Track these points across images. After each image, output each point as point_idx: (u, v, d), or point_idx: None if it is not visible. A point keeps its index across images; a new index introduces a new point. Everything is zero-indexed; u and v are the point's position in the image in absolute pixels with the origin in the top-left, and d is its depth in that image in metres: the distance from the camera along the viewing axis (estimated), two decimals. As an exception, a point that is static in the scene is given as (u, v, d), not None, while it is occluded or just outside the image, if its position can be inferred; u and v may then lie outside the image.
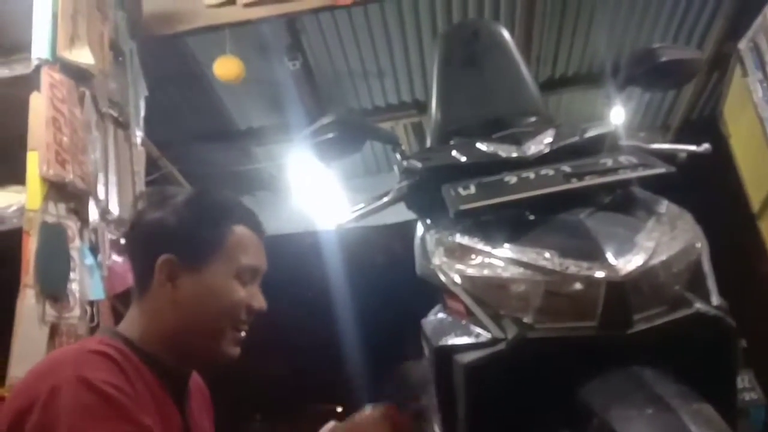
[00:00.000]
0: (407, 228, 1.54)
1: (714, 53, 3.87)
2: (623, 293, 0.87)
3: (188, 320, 0.97)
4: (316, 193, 4.74)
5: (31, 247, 1.84)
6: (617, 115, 1.50)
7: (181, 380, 1.03)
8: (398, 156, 1.38)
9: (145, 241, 1.02)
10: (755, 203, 3.36)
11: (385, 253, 5.34)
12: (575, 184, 1.03)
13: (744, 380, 2.58)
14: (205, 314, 0.97)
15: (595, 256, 0.90)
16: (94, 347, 0.91)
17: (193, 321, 0.97)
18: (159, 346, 0.97)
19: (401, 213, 1.45)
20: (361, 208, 1.41)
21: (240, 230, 1.02)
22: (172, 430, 0.94)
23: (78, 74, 2.15)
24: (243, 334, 1.02)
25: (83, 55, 2.14)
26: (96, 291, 1.95)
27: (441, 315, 1.29)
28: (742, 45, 2.96)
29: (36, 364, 0.93)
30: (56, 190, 1.96)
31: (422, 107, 4.48)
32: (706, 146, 1.31)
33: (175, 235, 0.99)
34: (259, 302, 1.03)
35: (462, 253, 1.08)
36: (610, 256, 0.89)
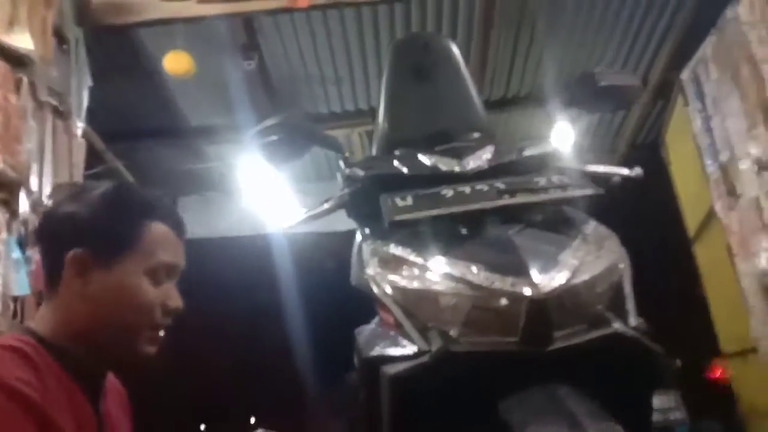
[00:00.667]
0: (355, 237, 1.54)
1: (660, 80, 4.03)
2: (545, 310, 0.88)
3: (99, 318, 0.94)
4: (266, 196, 4.68)
5: (-49, 237, 1.74)
6: (565, 136, 1.54)
7: (96, 379, 1.00)
8: (341, 163, 1.38)
9: (56, 234, 0.98)
10: (691, 229, 3.50)
11: (335, 260, 5.32)
12: (507, 200, 1.05)
13: (670, 400, 2.66)
14: (117, 312, 0.94)
15: (520, 272, 0.91)
16: (4, 342, 0.87)
17: (104, 319, 0.94)
18: (71, 342, 0.94)
19: (351, 221, 1.44)
20: (305, 213, 1.40)
21: (157, 227, 0.99)
22: (86, 429, 0.91)
23: (16, 59, 2.06)
24: (161, 333, 1.00)
25: (22, 40, 2.05)
26: (21, 286, 1.87)
27: (373, 326, 1.29)
28: (684, 75, 3.08)
29: None
30: (-16, 178, 1.86)
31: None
32: (638, 171, 1.35)
33: (86, 229, 0.95)
34: (175, 301, 1.00)
35: (395, 264, 1.08)
36: (534, 273, 0.90)
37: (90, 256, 0.94)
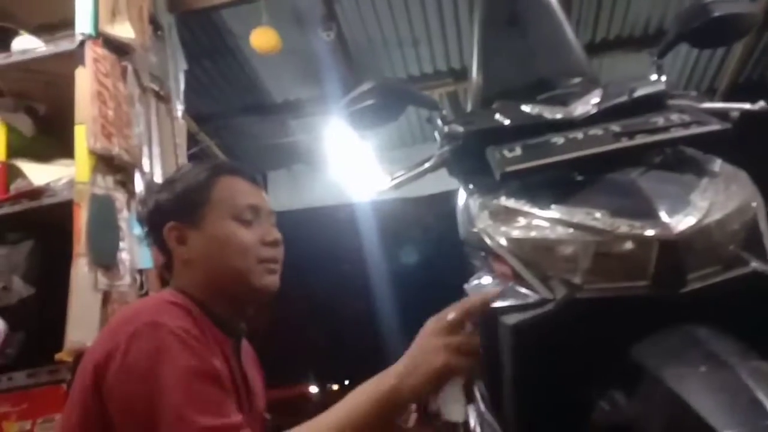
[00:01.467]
0: (445, 199, 1.54)
1: (765, 11, 3.68)
2: (676, 252, 0.85)
3: (211, 271, 1.05)
4: (352, 166, 4.75)
5: (82, 218, 1.89)
6: (661, 78, 1.46)
7: (236, 333, 1.11)
8: (439, 121, 1.36)
9: (151, 219, 1.12)
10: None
11: (422, 225, 5.35)
12: (626, 143, 1.00)
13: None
14: (222, 260, 1.05)
15: (648, 215, 0.88)
16: (170, 298, 1.00)
17: (215, 270, 1.05)
18: (207, 298, 1.05)
19: (438, 184, 1.44)
20: (401, 175, 1.40)
21: (224, 180, 1.10)
22: (234, 378, 1.01)
23: (120, 49, 2.18)
24: (274, 265, 1.09)
25: (124, 30, 2.17)
26: (144, 260, 2.01)
27: (485, 278, 1.29)
28: (798, 0, 2.81)
29: (118, 312, 1.08)
30: (103, 162, 2.00)
31: (458, 75, 4.41)
32: (762, 104, 1.25)
33: (169, 205, 1.09)
34: (271, 235, 1.09)
35: (507, 215, 1.07)
36: (663, 215, 0.87)
37: (181, 225, 1.07)
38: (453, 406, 1.01)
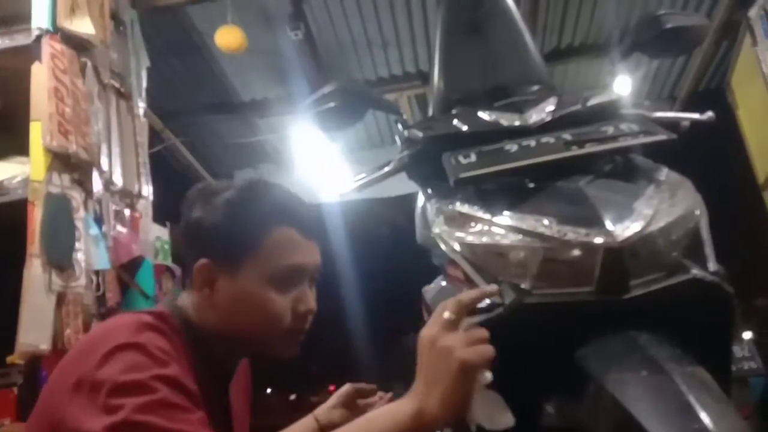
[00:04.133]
0: (411, 200, 1.55)
1: (723, 22, 3.79)
2: (620, 259, 0.87)
3: (229, 325, 0.94)
4: (319, 166, 4.73)
5: (36, 217, 1.85)
6: (623, 85, 1.49)
7: (229, 369, 1.03)
8: (399, 126, 1.38)
9: (187, 241, 0.99)
10: (761, 174, 3.34)
11: (389, 225, 5.36)
12: (575, 151, 1.03)
13: (744, 349, 2.60)
14: (244, 322, 0.94)
15: (593, 222, 0.90)
16: (148, 320, 0.90)
17: (233, 326, 0.94)
18: (210, 335, 0.96)
19: (406, 185, 1.45)
20: (363, 178, 1.41)
21: (280, 232, 0.94)
22: (211, 407, 0.90)
23: (79, 44, 2.13)
24: (300, 336, 0.98)
25: (84, 25, 2.12)
26: (101, 261, 1.97)
27: (442, 283, 1.31)
28: (752, 13, 2.90)
29: (94, 329, 0.92)
30: (60, 160, 1.96)
31: (426, 78, 4.43)
32: (709, 114, 1.30)
33: (210, 237, 0.95)
34: (306, 304, 0.96)
35: (462, 221, 1.09)
36: (608, 223, 0.89)
37: (214, 266, 0.93)
38: (493, 413, 0.90)
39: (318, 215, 1.05)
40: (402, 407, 0.76)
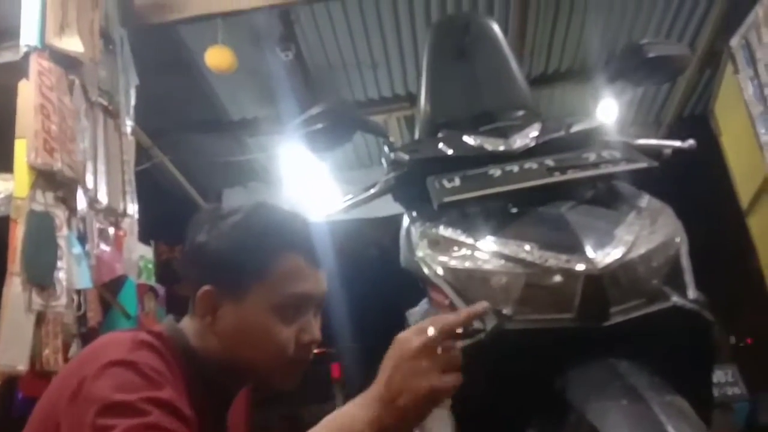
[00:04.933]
0: (399, 221, 1.55)
1: (706, 50, 3.88)
2: (601, 286, 0.88)
3: (230, 353, 0.92)
4: (308, 185, 4.73)
5: (18, 235, 1.83)
6: (609, 110, 1.51)
7: (228, 396, 1.00)
8: (386, 148, 1.38)
9: (190, 266, 0.97)
10: (744, 200, 3.39)
11: (378, 246, 5.36)
12: (557, 177, 1.04)
13: (728, 374, 2.61)
14: (246, 351, 0.92)
15: (574, 249, 0.90)
16: (145, 338, 0.88)
17: (235, 355, 0.92)
18: (210, 361, 0.93)
19: (394, 206, 1.45)
20: (349, 200, 1.41)
21: (286, 259, 0.92)
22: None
23: (67, 62, 2.14)
24: (302, 367, 0.96)
25: (73, 43, 2.13)
26: (83, 280, 1.95)
27: (425, 306, 1.30)
28: (734, 42, 2.97)
29: (88, 346, 0.90)
30: (44, 178, 1.95)
31: (415, 100, 4.46)
32: (690, 142, 1.32)
33: (215, 264, 0.92)
34: (310, 335, 0.94)
35: (445, 245, 1.09)
36: (588, 250, 0.90)
37: (217, 293, 0.91)
38: (441, 430, 0.93)
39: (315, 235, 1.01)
40: (361, 413, 0.75)
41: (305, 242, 0.96)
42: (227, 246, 0.93)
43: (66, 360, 1.84)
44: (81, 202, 2.07)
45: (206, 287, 0.91)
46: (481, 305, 0.80)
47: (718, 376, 2.56)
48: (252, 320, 0.91)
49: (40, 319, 1.79)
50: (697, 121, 4.41)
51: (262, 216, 0.97)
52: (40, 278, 1.81)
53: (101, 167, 2.26)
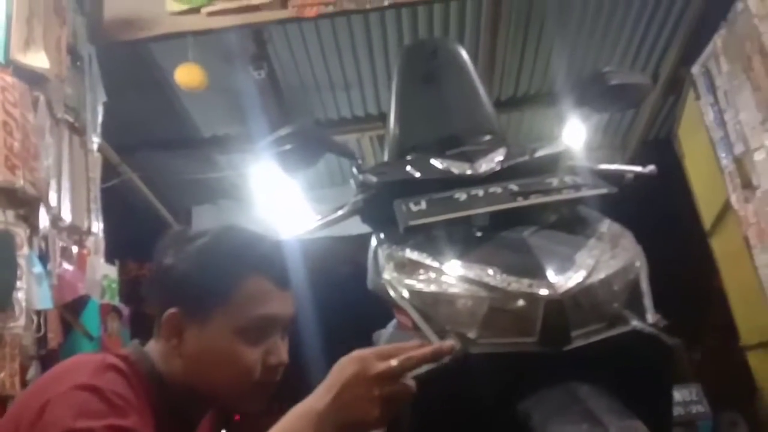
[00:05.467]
0: (369, 240, 1.56)
1: (670, 75, 4.00)
2: (562, 310, 0.89)
3: (196, 376, 0.91)
4: (279, 203, 4.71)
5: (-25, 254, 1.78)
6: (576, 134, 1.55)
7: (194, 419, 0.99)
8: (354, 170, 1.39)
9: (156, 288, 0.96)
10: (707, 222, 3.48)
11: (348, 264, 5.34)
12: (520, 202, 1.06)
13: (692, 393, 2.66)
14: (212, 374, 0.91)
15: (536, 273, 0.92)
16: (111, 361, 0.87)
17: (200, 378, 0.91)
18: (175, 385, 0.92)
19: (364, 225, 1.46)
20: (317, 220, 1.41)
21: (251, 282, 0.92)
22: None
23: (32, 78, 2.10)
24: (269, 389, 0.95)
25: (38, 59, 2.10)
26: (44, 300, 1.90)
27: (393, 329, 1.30)
28: (695, 70, 3.07)
29: (52, 369, 0.89)
30: (5, 195, 1.90)
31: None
32: (651, 168, 1.35)
33: (180, 287, 0.92)
34: (277, 357, 0.93)
35: (411, 268, 1.09)
36: (550, 274, 0.91)
37: (182, 316, 0.91)
38: None
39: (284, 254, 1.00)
40: (303, 425, 0.75)
41: (271, 264, 0.95)
42: (192, 269, 0.92)
43: (24, 384, 1.79)
44: (43, 220, 2.02)
45: (171, 310, 0.91)
46: (449, 344, 0.80)
47: (683, 394, 2.61)
48: (217, 343, 0.90)
49: (-3, 341, 1.74)
50: (662, 144, 4.52)
51: (227, 239, 0.97)
52: (-2, 299, 1.76)
53: (65, 184, 2.21)
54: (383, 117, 4.52)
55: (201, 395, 0.93)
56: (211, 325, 0.90)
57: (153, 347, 0.95)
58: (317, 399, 0.76)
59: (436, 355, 0.78)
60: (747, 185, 2.69)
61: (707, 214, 3.46)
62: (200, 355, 0.90)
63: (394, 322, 1.32)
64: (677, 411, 2.60)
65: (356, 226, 1.49)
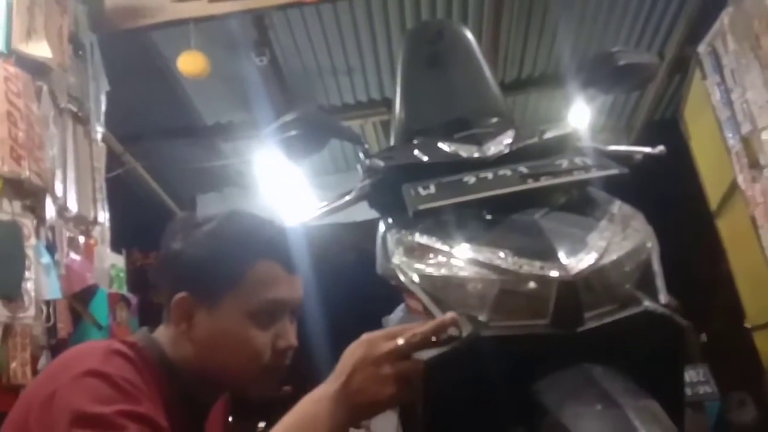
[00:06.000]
0: (376, 226, 1.55)
1: (675, 56, 3.97)
2: (574, 292, 0.88)
3: (206, 361, 0.92)
4: (284, 190, 4.71)
5: (-16, 245, 1.78)
6: (581, 116, 1.53)
7: (205, 405, 0.99)
8: (361, 154, 1.38)
9: (164, 274, 0.96)
10: (713, 202, 3.46)
11: (356, 251, 5.34)
12: (530, 184, 1.05)
13: (699, 374, 2.65)
14: (222, 358, 0.91)
15: (548, 255, 0.91)
16: (118, 347, 0.87)
17: (211, 362, 0.92)
18: (185, 370, 0.93)
19: (370, 210, 1.45)
20: (324, 207, 1.41)
21: (261, 265, 0.92)
22: None
23: (35, 68, 2.09)
24: (279, 374, 0.95)
25: (40, 49, 2.08)
26: (52, 290, 1.91)
27: (402, 313, 1.30)
28: (701, 49, 3.03)
29: (60, 356, 0.89)
30: (11, 186, 1.90)
31: (392, 105, 4.48)
32: (660, 148, 1.34)
33: (190, 271, 0.92)
34: (286, 341, 0.93)
35: (421, 252, 1.09)
36: (562, 256, 0.91)
37: (192, 300, 0.91)
38: (385, 428, 0.95)
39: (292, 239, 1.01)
40: (319, 410, 0.77)
41: (280, 249, 0.96)
42: (201, 253, 0.93)
43: (35, 373, 1.80)
44: (50, 211, 2.02)
45: (181, 294, 0.91)
46: (450, 315, 0.81)
47: (690, 375, 2.59)
48: (227, 326, 0.91)
49: (7, 331, 1.75)
50: (667, 125, 4.49)
51: (236, 223, 0.98)
52: (7, 289, 1.77)
53: (71, 174, 2.21)
54: (387, 102, 4.51)
55: (211, 380, 0.93)
56: (221, 309, 0.91)
57: (162, 333, 0.95)
58: (329, 384, 0.78)
59: (439, 328, 0.80)
60: (754, 165, 2.67)
61: (714, 194, 3.44)
62: (210, 339, 0.91)
63: (402, 306, 1.32)
64: (686, 392, 2.59)
65: (361, 212, 1.49)
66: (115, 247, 2.55)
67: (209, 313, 0.91)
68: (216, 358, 0.91)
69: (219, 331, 0.91)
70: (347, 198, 1.37)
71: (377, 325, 1.39)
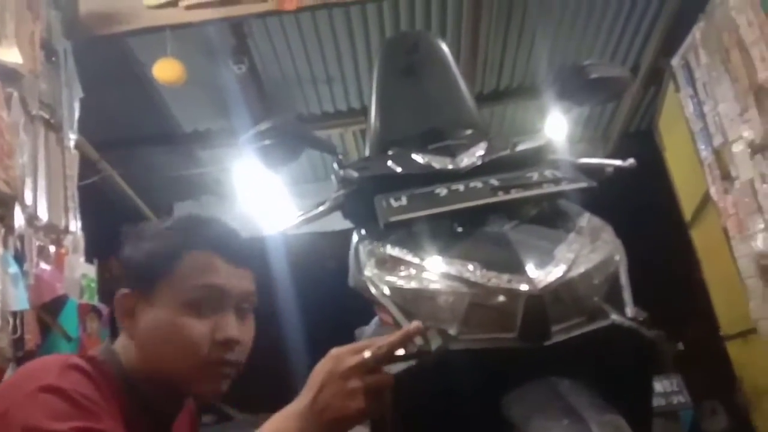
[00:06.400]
0: (351, 235, 1.55)
1: (650, 67, 4.03)
2: (542, 305, 0.89)
3: (151, 357, 0.90)
4: (262, 198, 4.68)
5: (-52, 255, 1.74)
6: (558, 126, 1.54)
7: (168, 412, 0.97)
8: (335, 165, 1.38)
9: (114, 276, 1.00)
10: (687, 213, 3.52)
11: (331, 260, 5.32)
12: (501, 197, 1.05)
13: (672, 383, 2.69)
14: (163, 351, 0.89)
15: (516, 268, 0.91)
16: (74, 361, 0.85)
17: (154, 357, 0.90)
18: (138, 376, 0.91)
19: (347, 221, 1.45)
20: (299, 216, 1.40)
21: (198, 254, 0.91)
22: None
23: (5, 74, 2.05)
24: (223, 369, 0.91)
25: (11, 55, 2.05)
26: (20, 301, 1.86)
27: (375, 326, 1.29)
28: (675, 62, 3.09)
29: (15, 372, 0.88)
30: (-22, 195, 1.86)
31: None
32: (631, 161, 1.35)
33: (131, 269, 0.93)
34: (223, 332, 0.89)
35: (392, 264, 1.08)
36: (530, 269, 0.91)
37: (132, 296, 0.91)
38: None
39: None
40: (287, 426, 0.76)
41: (221, 241, 0.95)
42: (141, 250, 0.94)
43: (1, 386, 1.75)
44: (19, 219, 1.98)
45: (122, 291, 0.93)
46: (415, 325, 0.80)
47: (664, 385, 2.63)
48: (163, 317, 0.89)
49: (-28, 343, 1.70)
50: (643, 136, 4.56)
51: (175, 220, 0.99)
52: (-27, 300, 1.73)
53: (41, 182, 2.17)
54: (365, 111, 4.50)
55: (157, 380, 0.90)
56: (158, 301, 0.90)
57: (118, 343, 0.95)
58: (299, 401, 0.77)
59: (405, 339, 0.79)
60: (726, 176, 2.72)
61: (688, 205, 3.50)
62: (148, 333, 0.90)
63: (376, 319, 1.31)
64: (659, 402, 2.62)
65: (339, 222, 1.48)
66: (90, 256, 2.51)
67: (147, 306, 0.90)
68: (154, 353, 0.90)
69: (155, 323, 0.89)
70: (322, 208, 1.37)
71: (351, 336, 1.38)
